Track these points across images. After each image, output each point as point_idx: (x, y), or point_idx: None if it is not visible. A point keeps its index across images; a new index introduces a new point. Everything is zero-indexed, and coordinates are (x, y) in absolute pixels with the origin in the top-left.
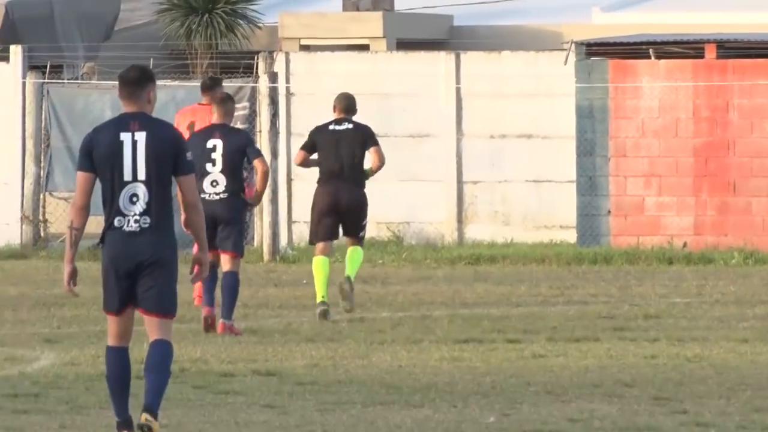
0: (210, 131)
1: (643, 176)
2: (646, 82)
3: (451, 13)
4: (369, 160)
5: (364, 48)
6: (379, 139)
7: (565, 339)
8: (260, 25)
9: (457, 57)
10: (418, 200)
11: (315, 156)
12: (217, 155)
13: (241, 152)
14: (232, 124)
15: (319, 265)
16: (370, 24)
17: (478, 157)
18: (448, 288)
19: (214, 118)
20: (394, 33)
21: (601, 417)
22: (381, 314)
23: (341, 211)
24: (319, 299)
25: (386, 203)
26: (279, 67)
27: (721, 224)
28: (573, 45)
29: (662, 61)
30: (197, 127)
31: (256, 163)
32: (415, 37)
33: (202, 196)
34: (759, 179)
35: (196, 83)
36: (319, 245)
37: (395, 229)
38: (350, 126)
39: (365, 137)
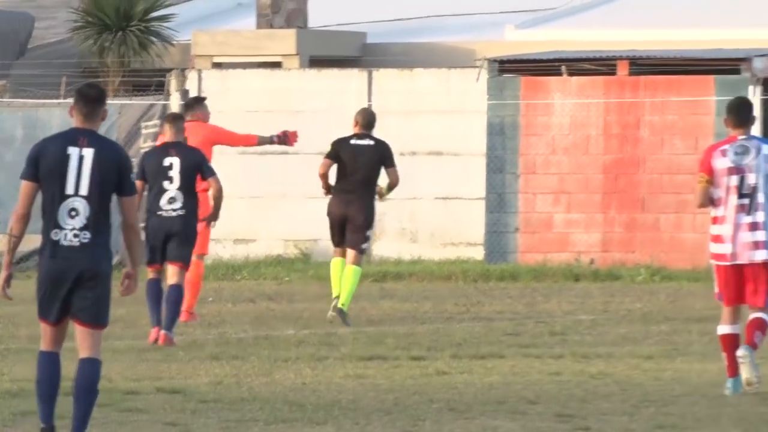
0: (165, 149)
1: (552, 193)
2: (557, 99)
3: (364, 30)
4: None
5: (277, 65)
6: (289, 156)
7: (469, 356)
8: (174, 42)
9: (370, 74)
10: (327, 217)
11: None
12: (174, 173)
13: (196, 170)
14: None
15: (335, 266)
16: (283, 41)
17: None
18: (354, 305)
19: (168, 136)
20: (307, 50)
21: None
22: (286, 331)
23: (349, 222)
24: (334, 295)
25: (294, 220)
26: (191, 84)
27: (629, 241)
28: (485, 62)
29: (574, 78)
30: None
31: (211, 181)
32: (329, 55)
33: (159, 212)
34: (668, 196)
35: (110, 101)
36: (337, 249)
37: (302, 246)
38: (371, 142)
39: (384, 155)
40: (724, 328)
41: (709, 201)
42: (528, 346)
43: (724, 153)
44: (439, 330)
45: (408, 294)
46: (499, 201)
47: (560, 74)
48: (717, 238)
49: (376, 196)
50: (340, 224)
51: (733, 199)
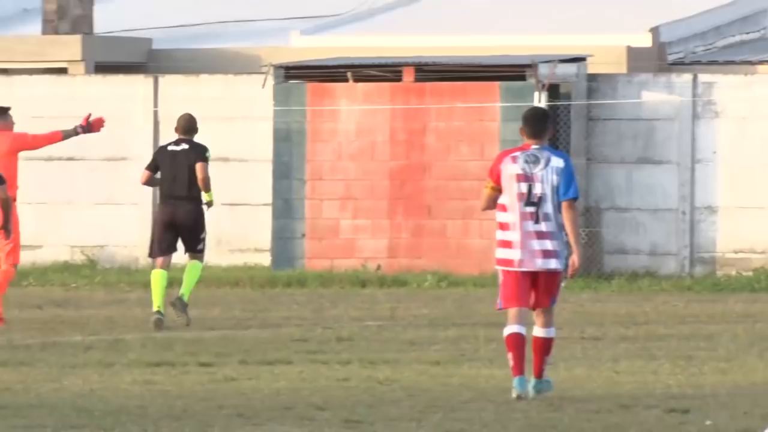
0: None
1: (339, 199)
2: (343, 105)
3: (150, 37)
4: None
5: (63, 71)
6: (76, 162)
7: (257, 362)
8: None
9: (156, 80)
10: (113, 224)
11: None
12: None
13: None
14: None
15: (156, 277)
16: (68, 47)
17: None
18: (141, 311)
19: None
20: (93, 56)
21: None
22: (74, 338)
23: (179, 227)
24: (155, 308)
25: (80, 227)
26: None
27: (416, 247)
28: (271, 68)
29: (360, 84)
30: None
31: None
32: (114, 61)
33: None
34: (454, 202)
35: None
36: (158, 260)
37: (89, 252)
38: (186, 146)
39: (198, 155)
40: (510, 328)
41: (493, 206)
42: (315, 352)
43: (514, 159)
44: (227, 336)
45: (195, 300)
46: (285, 207)
47: (346, 80)
48: (504, 244)
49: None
50: (169, 231)
51: (520, 206)
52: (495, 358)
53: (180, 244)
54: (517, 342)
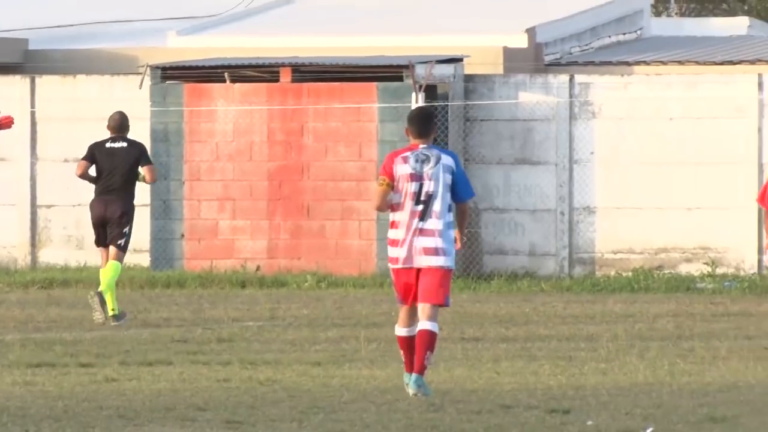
0: None
1: (218, 200)
2: (221, 106)
3: (26, 37)
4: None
5: None
6: None
7: (138, 363)
8: None
9: (32, 81)
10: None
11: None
12: None
13: None
14: None
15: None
16: None
17: (52, 181)
18: (20, 312)
19: None
20: None
21: None
22: None
23: (107, 221)
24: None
25: None
26: None
27: (295, 248)
28: (148, 69)
29: (237, 85)
30: None
31: None
32: None
33: None
34: (333, 203)
35: None
36: (101, 251)
37: None
38: (124, 144)
39: (139, 155)
40: (401, 331)
41: (387, 205)
42: (196, 352)
43: (405, 160)
44: (107, 337)
45: (75, 301)
46: (164, 208)
47: (223, 81)
48: (393, 242)
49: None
50: (101, 224)
51: (410, 205)
52: (376, 359)
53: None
54: (408, 343)
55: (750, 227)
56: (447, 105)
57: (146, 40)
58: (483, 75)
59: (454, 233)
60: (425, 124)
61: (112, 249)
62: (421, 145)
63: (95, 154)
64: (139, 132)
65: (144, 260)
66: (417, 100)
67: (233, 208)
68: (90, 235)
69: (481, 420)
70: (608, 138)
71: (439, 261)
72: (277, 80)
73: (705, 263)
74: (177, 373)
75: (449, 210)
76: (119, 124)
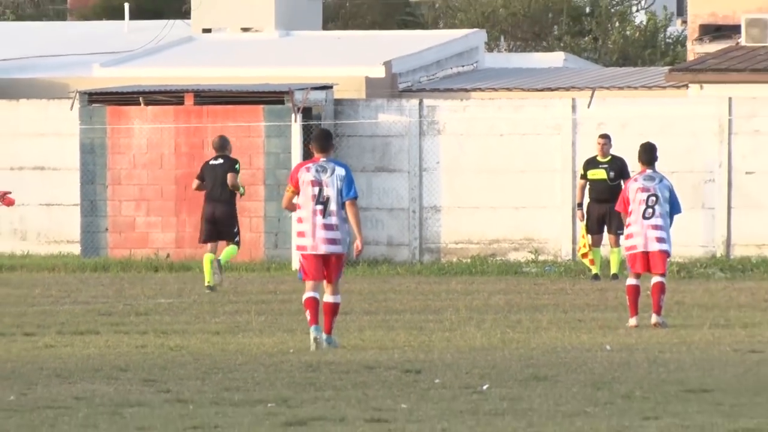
0: None
1: (135, 200)
2: (137, 124)
3: None
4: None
5: None
6: None
7: (71, 332)
8: None
9: None
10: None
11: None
12: None
13: None
14: None
15: (206, 259)
16: None
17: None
18: None
19: None
20: None
21: (101, 395)
22: None
23: (217, 222)
24: (206, 283)
25: None
26: None
27: (197, 239)
28: (77, 94)
29: (150, 107)
30: None
31: None
32: None
33: None
34: None
35: None
36: (208, 245)
37: None
38: (222, 161)
39: (230, 168)
40: (308, 294)
41: (292, 206)
42: (118, 324)
43: (308, 169)
44: (46, 311)
45: (20, 282)
46: (91, 207)
47: (139, 104)
48: (301, 234)
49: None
50: (210, 224)
51: (312, 205)
52: (264, 329)
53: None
54: (313, 303)
55: (565, 223)
56: (320, 123)
57: (76, 71)
58: (349, 99)
59: (347, 226)
60: (325, 142)
61: (227, 242)
62: (322, 159)
63: (203, 170)
64: (71, 146)
65: (75, 249)
66: (296, 120)
67: (147, 207)
68: (31, 230)
69: (350, 378)
70: (451, 150)
71: (337, 248)
72: (182, 103)
73: (529, 252)
74: (103, 341)
75: (342, 208)
76: (219, 145)
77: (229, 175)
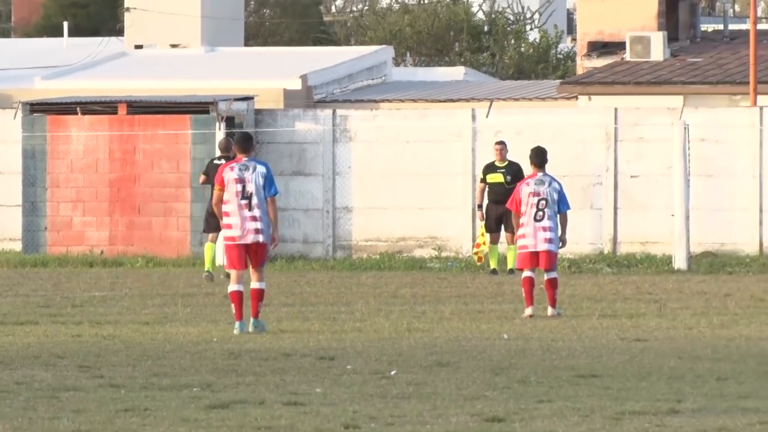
0: None
1: (72, 202)
2: (74, 132)
3: None
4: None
5: None
6: None
7: (13, 323)
8: None
9: None
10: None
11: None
12: None
13: None
14: None
15: (208, 248)
16: None
17: None
18: None
19: None
20: None
21: (39, 380)
22: None
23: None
24: (206, 269)
25: None
26: None
27: (129, 237)
28: (21, 105)
29: (86, 117)
30: None
31: None
32: None
33: None
34: (157, 204)
35: None
36: (210, 235)
37: None
38: (224, 161)
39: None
40: (234, 287)
41: (221, 203)
42: (56, 315)
43: (232, 169)
44: None
45: None
46: (32, 207)
47: (76, 113)
48: (228, 226)
49: None
50: (214, 216)
51: (238, 200)
52: (190, 320)
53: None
54: (237, 297)
55: (466, 222)
56: (242, 132)
57: (19, 84)
58: (269, 109)
59: (268, 219)
60: (246, 144)
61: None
62: (244, 158)
63: (208, 167)
64: (14, 151)
65: (17, 246)
66: (220, 128)
67: (83, 208)
68: None
69: (269, 365)
70: (361, 156)
71: (261, 237)
72: (116, 113)
73: (433, 249)
74: (42, 331)
75: (265, 202)
76: (224, 146)
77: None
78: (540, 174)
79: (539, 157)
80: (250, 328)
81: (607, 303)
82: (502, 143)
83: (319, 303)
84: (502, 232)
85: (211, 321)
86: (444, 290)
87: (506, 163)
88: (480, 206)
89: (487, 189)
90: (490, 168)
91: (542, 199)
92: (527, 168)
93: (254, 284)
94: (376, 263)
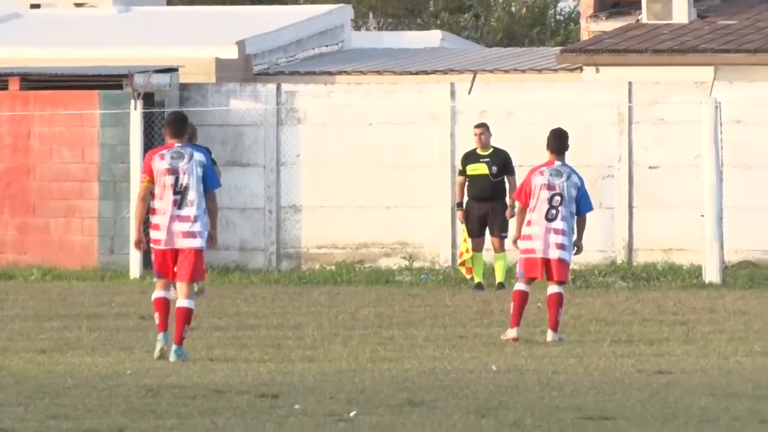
0: None
1: None
2: None
3: None
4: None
5: None
6: None
7: None
8: None
9: None
10: None
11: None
12: None
13: None
14: None
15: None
16: None
17: None
18: None
19: None
20: None
21: None
22: None
23: None
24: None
25: None
26: None
27: (21, 243)
28: None
29: None
30: None
31: None
32: None
33: None
34: (57, 201)
35: None
36: None
37: None
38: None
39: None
40: (158, 293)
41: (149, 197)
42: None
43: (162, 157)
44: None
45: None
46: None
47: None
48: (155, 227)
49: None
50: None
51: (169, 195)
52: (97, 347)
53: None
54: (162, 304)
55: (444, 225)
56: (163, 111)
57: None
58: (197, 84)
59: (206, 218)
60: (180, 126)
61: None
62: (177, 144)
63: None
64: None
65: None
66: (136, 107)
67: None
68: None
69: (196, 404)
70: (313, 142)
71: (195, 243)
72: (6, 88)
73: (403, 257)
74: None
75: (203, 197)
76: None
77: None
78: (558, 163)
79: (558, 140)
80: (172, 357)
81: (622, 326)
82: (483, 126)
83: (259, 326)
84: (487, 237)
85: (124, 348)
86: (417, 310)
87: (490, 150)
88: (460, 204)
89: (467, 183)
90: (470, 157)
91: (557, 194)
92: (522, 156)
93: (181, 301)
94: (332, 276)
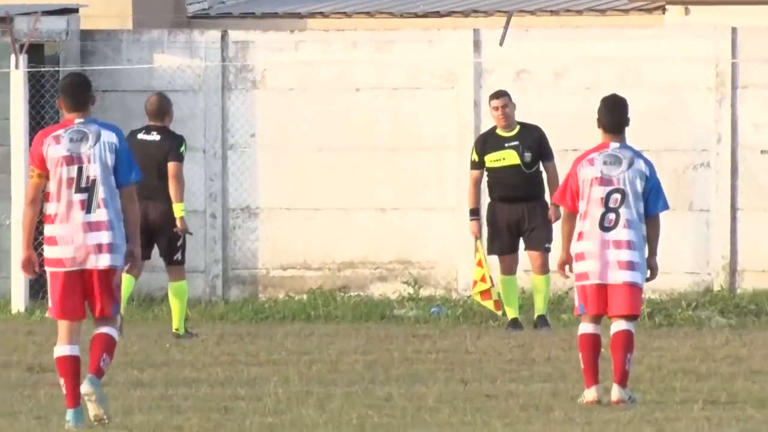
0: None
1: None
2: None
3: None
4: None
5: None
6: None
7: None
8: None
9: None
10: None
11: None
12: None
13: None
14: None
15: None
16: None
17: None
18: None
19: None
20: None
21: None
22: None
23: (152, 232)
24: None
25: None
26: None
27: None
28: None
29: None
30: None
31: None
32: None
33: None
34: None
35: None
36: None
37: None
38: (158, 137)
39: (171, 149)
40: (63, 350)
41: (42, 197)
42: None
43: (58, 139)
44: None
45: None
46: None
47: None
48: (50, 241)
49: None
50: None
51: (69, 194)
52: None
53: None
54: (71, 365)
55: (464, 234)
56: (58, 71)
57: None
58: (106, 30)
59: (122, 226)
60: (80, 94)
61: (168, 268)
62: (77, 120)
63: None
64: None
65: None
66: (18, 65)
67: None
68: None
69: None
70: (275, 116)
71: (109, 260)
72: None
73: (405, 282)
74: None
75: (117, 196)
76: (155, 109)
77: (172, 165)
78: (614, 145)
79: (615, 113)
80: (84, 388)
81: (720, 380)
82: (504, 96)
83: (198, 381)
84: (522, 252)
85: (4, 414)
86: (425, 357)
87: (516, 129)
88: (474, 212)
89: (488, 180)
90: (489, 142)
91: (615, 190)
92: (582, 136)
93: (101, 328)
94: (303, 309)
